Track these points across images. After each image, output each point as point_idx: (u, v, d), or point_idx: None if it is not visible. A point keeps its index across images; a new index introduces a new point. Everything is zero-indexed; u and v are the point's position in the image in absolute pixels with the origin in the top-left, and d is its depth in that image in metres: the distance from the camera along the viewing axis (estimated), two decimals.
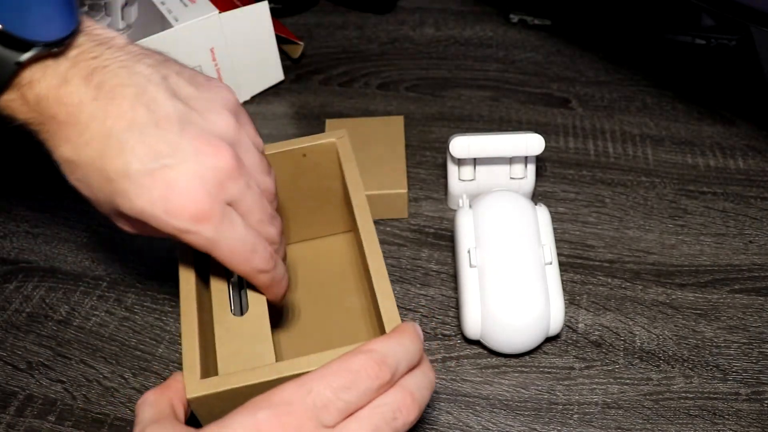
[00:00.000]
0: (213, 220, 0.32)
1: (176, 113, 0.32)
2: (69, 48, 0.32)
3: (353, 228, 0.48)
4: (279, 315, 0.47)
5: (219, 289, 0.38)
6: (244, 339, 0.36)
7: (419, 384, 0.31)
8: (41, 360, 0.46)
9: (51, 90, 0.31)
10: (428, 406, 0.42)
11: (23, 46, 0.30)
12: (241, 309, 0.38)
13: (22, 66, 0.30)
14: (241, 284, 0.39)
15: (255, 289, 0.38)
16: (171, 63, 0.35)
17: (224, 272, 0.38)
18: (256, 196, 0.35)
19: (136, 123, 0.31)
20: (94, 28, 0.33)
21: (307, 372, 0.32)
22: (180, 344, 0.45)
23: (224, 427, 0.28)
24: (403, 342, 0.32)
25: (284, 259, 0.39)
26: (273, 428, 0.27)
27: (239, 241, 0.34)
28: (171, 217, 0.32)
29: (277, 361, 0.35)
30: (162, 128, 0.32)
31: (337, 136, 0.45)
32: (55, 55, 0.31)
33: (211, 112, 0.34)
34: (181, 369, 0.35)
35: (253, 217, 0.35)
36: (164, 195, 0.31)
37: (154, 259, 0.52)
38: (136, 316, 0.48)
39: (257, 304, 0.37)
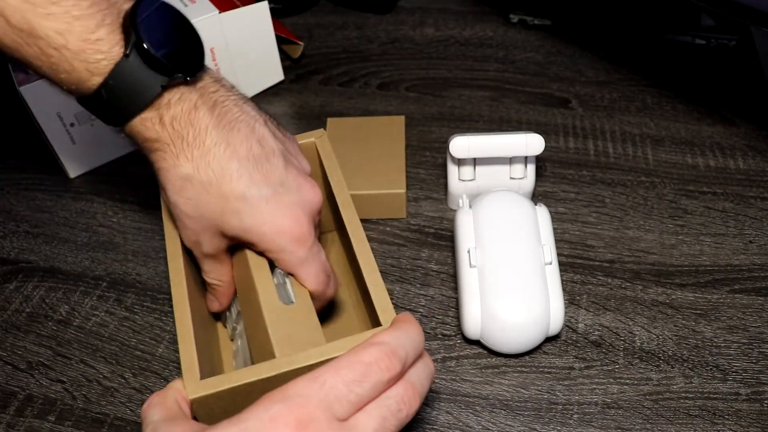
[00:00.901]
0: (307, 243, 0.38)
1: (280, 151, 0.39)
2: (197, 80, 0.38)
3: (337, 227, 0.48)
4: None
5: (264, 281, 0.38)
6: (294, 325, 0.37)
7: (421, 375, 0.32)
8: (41, 360, 0.46)
9: (184, 113, 0.36)
10: (428, 406, 0.42)
11: (168, 72, 0.36)
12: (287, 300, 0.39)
13: (164, 89, 0.36)
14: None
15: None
16: (263, 111, 0.41)
17: (266, 266, 0.39)
18: None
19: (252, 153, 0.37)
20: (209, 69, 0.40)
21: (305, 366, 0.32)
22: None
23: (240, 421, 0.28)
24: (409, 332, 0.32)
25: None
26: (287, 421, 0.28)
27: (321, 268, 0.39)
28: (277, 236, 0.37)
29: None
30: (271, 162, 0.38)
31: (316, 135, 0.45)
32: (187, 84, 0.37)
33: (299, 155, 0.41)
34: (180, 369, 0.35)
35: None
36: (274, 218, 0.37)
37: (154, 259, 0.52)
38: (136, 316, 0.48)
39: (302, 296, 0.39)
